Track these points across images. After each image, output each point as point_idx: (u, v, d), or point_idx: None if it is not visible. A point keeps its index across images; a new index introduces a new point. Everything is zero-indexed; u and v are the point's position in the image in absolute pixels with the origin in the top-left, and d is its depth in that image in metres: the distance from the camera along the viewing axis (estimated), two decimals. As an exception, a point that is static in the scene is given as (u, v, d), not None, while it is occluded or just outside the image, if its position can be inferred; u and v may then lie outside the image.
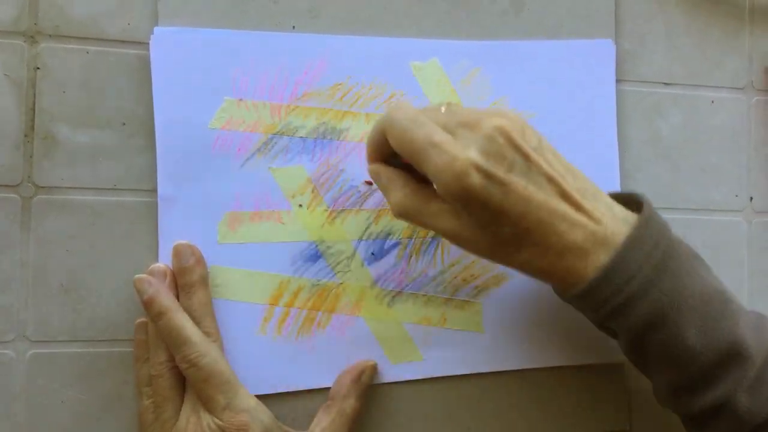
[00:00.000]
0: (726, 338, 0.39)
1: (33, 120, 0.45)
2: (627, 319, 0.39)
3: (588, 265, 0.38)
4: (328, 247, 0.48)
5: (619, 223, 0.39)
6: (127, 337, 0.45)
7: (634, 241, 0.38)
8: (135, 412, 0.45)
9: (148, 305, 0.43)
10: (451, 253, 0.49)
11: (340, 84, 0.48)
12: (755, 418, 0.39)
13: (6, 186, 0.44)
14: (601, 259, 0.38)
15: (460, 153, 0.36)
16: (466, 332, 0.49)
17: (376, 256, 0.48)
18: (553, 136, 0.50)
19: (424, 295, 0.49)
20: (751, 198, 0.55)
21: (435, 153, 0.37)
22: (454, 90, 0.50)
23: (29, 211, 0.45)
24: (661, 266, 0.39)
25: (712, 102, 0.54)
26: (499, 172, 0.36)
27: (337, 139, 0.48)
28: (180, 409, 0.43)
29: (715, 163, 0.54)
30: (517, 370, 0.50)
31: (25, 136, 0.45)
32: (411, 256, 0.49)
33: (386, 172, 0.42)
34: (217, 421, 0.41)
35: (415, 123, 0.38)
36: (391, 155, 0.42)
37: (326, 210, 0.48)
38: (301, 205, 0.47)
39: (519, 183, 0.37)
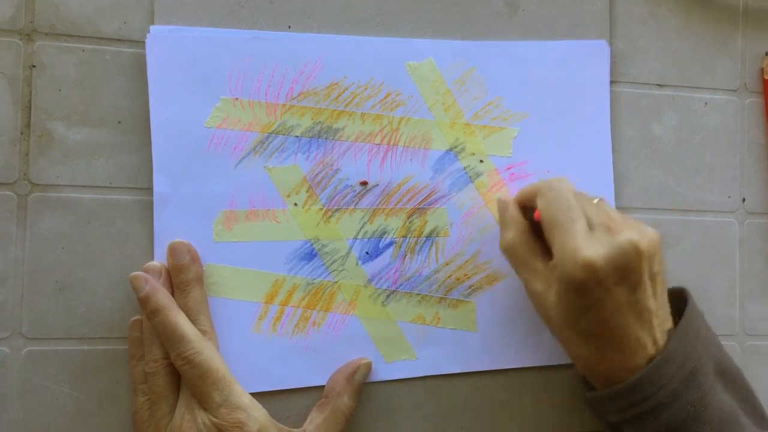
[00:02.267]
0: None
1: (29, 118, 0.45)
2: (652, 424, 0.41)
3: (629, 374, 0.41)
4: (323, 246, 0.48)
5: (664, 335, 0.42)
6: (121, 334, 0.45)
7: (670, 355, 0.41)
8: (129, 409, 0.45)
9: (144, 302, 0.43)
10: (445, 252, 0.49)
11: (335, 83, 0.48)
12: None
13: (1, 184, 0.44)
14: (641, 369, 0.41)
15: (587, 249, 0.39)
16: (459, 331, 0.50)
17: (370, 255, 0.49)
18: (547, 137, 0.51)
19: (418, 294, 0.49)
20: (744, 199, 0.55)
21: (568, 236, 0.40)
22: (449, 89, 0.50)
23: (25, 208, 0.45)
24: (689, 379, 0.41)
25: (706, 104, 0.55)
26: (610, 281, 0.39)
27: (333, 139, 0.48)
28: (175, 407, 0.43)
29: (709, 165, 0.55)
30: (510, 369, 0.50)
31: (21, 134, 0.45)
32: (405, 256, 0.49)
33: (514, 210, 0.46)
34: (212, 418, 0.42)
35: (566, 201, 0.41)
36: (527, 206, 0.46)
37: (321, 209, 0.48)
38: (296, 204, 0.48)
39: (620, 297, 0.40)
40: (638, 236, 0.40)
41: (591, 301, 0.39)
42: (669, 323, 0.43)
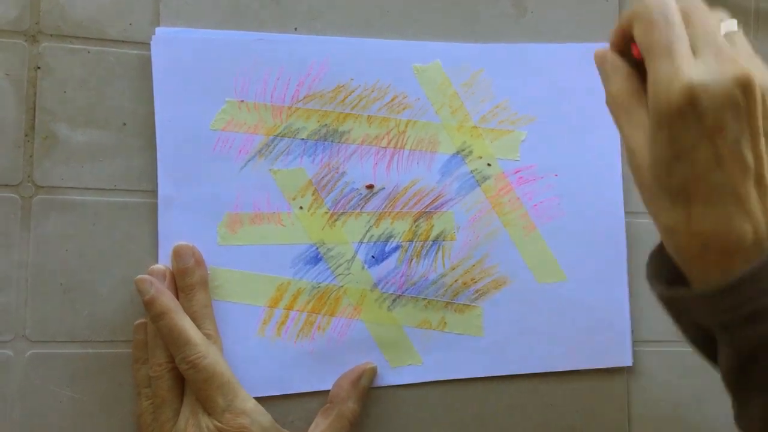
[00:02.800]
0: None
1: (33, 120, 0.45)
2: (757, 328, 0.34)
3: (736, 262, 0.34)
4: (329, 250, 0.48)
5: None
6: (125, 338, 0.45)
7: None
8: (133, 413, 0.45)
9: (150, 305, 0.43)
10: (451, 257, 0.49)
11: (342, 86, 0.48)
12: None
13: (6, 185, 0.44)
14: (751, 258, 0.34)
15: (687, 70, 0.32)
16: (465, 336, 0.49)
17: (376, 259, 0.48)
18: (555, 140, 0.51)
19: (424, 299, 0.49)
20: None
21: (665, 58, 0.33)
22: (455, 92, 0.50)
23: (29, 210, 0.45)
24: None
25: (716, 107, 0.54)
26: (712, 120, 0.32)
27: (339, 142, 0.48)
28: (179, 411, 0.43)
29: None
30: (517, 375, 0.50)
31: (26, 135, 0.45)
32: (411, 260, 0.49)
33: (613, 58, 0.38)
34: (216, 423, 0.41)
35: (665, 21, 0.34)
36: (627, 49, 0.38)
37: (327, 212, 0.48)
38: (301, 207, 0.47)
39: (722, 144, 0.33)
40: (759, 72, 0.33)
41: (686, 143, 0.33)
42: None
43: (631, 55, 0.38)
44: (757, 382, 0.36)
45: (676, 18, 0.34)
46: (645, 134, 0.35)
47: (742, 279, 0.33)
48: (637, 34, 0.36)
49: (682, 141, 0.33)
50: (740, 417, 0.40)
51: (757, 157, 0.33)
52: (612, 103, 0.38)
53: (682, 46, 0.34)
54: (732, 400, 0.39)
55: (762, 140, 0.34)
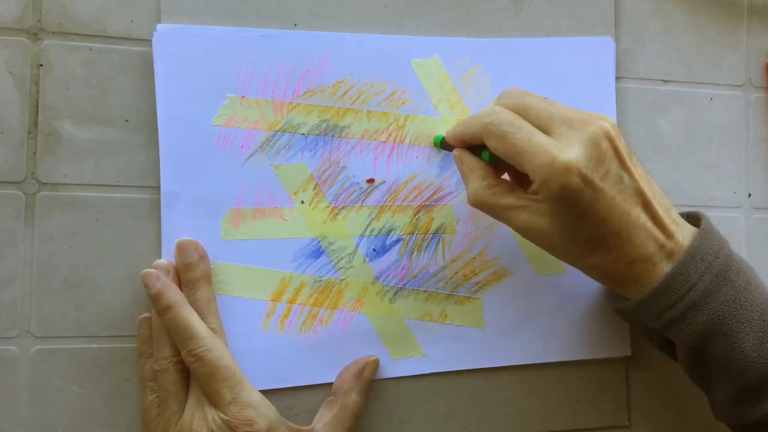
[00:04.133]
0: None
1: (36, 117, 0.45)
2: (688, 328, 0.40)
3: (654, 275, 0.40)
4: (330, 244, 0.48)
5: (684, 236, 0.41)
6: (130, 333, 0.45)
7: (695, 251, 0.40)
8: (138, 407, 0.45)
9: (156, 299, 0.43)
10: (452, 249, 0.50)
11: (341, 81, 0.49)
12: None
13: (10, 182, 0.45)
14: (665, 269, 0.40)
15: (561, 153, 0.38)
16: (466, 328, 0.50)
17: (377, 252, 0.49)
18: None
19: (425, 291, 0.49)
20: (750, 194, 0.55)
21: (537, 154, 0.38)
22: (454, 87, 0.50)
23: (33, 207, 0.45)
24: (721, 276, 0.40)
25: (711, 99, 0.55)
26: (596, 177, 0.38)
27: (339, 136, 0.48)
28: (184, 404, 0.43)
29: (714, 160, 0.55)
30: (518, 366, 0.50)
31: (29, 132, 0.45)
32: (412, 253, 0.49)
33: (470, 160, 0.44)
34: (222, 415, 0.42)
35: (513, 127, 0.40)
36: (473, 146, 0.44)
37: (328, 206, 0.48)
38: (303, 202, 0.48)
39: (610, 190, 0.38)
40: (604, 123, 0.39)
41: (585, 205, 0.38)
42: (679, 218, 0.42)
43: (482, 151, 0.43)
44: (712, 372, 0.40)
45: (520, 120, 0.40)
46: (528, 212, 0.41)
47: (658, 287, 0.40)
48: (494, 146, 0.41)
49: (581, 206, 0.38)
50: (712, 408, 0.43)
51: (638, 189, 0.40)
52: (477, 199, 0.43)
53: (540, 137, 0.39)
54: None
55: (635, 170, 0.40)
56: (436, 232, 0.49)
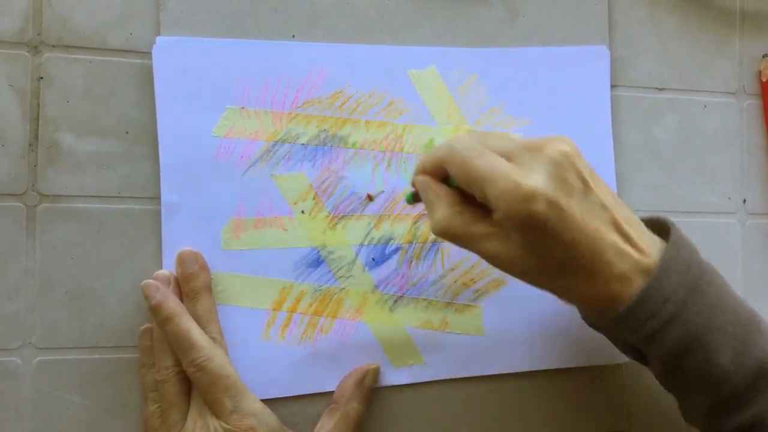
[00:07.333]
0: (758, 359, 0.39)
1: (37, 129, 0.45)
2: (663, 342, 0.40)
3: (629, 291, 0.39)
4: (330, 253, 0.48)
5: (656, 248, 0.40)
6: (132, 343, 0.46)
7: (667, 264, 0.39)
8: (140, 418, 0.45)
9: (156, 310, 0.43)
10: (451, 257, 0.50)
11: (339, 92, 0.49)
12: None
13: (11, 195, 0.45)
14: (639, 285, 0.39)
15: (524, 179, 0.37)
16: (466, 336, 0.50)
17: (377, 261, 0.49)
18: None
19: (424, 300, 0.49)
20: (745, 200, 0.56)
21: (499, 181, 0.37)
22: (451, 97, 0.51)
23: (34, 219, 0.45)
24: (694, 288, 0.39)
25: (705, 106, 0.55)
26: (562, 199, 0.37)
27: (338, 146, 0.49)
28: (186, 414, 0.43)
29: (709, 167, 0.55)
30: (517, 373, 0.51)
31: (30, 145, 0.45)
32: (411, 261, 0.49)
33: (435, 187, 0.42)
34: (224, 425, 0.42)
35: (475, 152, 0.39)
36: (441, 177, 0.42)
37: (327, 216, 0.48)
38: (303, 212, 0.48)
39: (576, 210, 0.37)
40: (563, 145, 0.38)
41: (553, 229, 0.37)
42: (646, 230, 0.41)
43: (449, 181, 0.42)
44: (689, 383, 0.40)
45: (481, 148, 0.39)
46: (496, 239, 0.39)
47: (632, 304, 0.39)
48: (456, 174, 0.40)
49: (549, 230, 0.37)
50: (685, 415, 0.43)
51: (603, 205, 0.39)
52: (443, 228, 0.41)
53: (502, 163, 0.38)
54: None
55: (598, 188, 0.39)
56: (435, 241, 0.50)
